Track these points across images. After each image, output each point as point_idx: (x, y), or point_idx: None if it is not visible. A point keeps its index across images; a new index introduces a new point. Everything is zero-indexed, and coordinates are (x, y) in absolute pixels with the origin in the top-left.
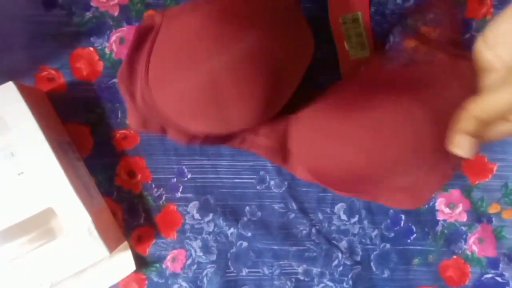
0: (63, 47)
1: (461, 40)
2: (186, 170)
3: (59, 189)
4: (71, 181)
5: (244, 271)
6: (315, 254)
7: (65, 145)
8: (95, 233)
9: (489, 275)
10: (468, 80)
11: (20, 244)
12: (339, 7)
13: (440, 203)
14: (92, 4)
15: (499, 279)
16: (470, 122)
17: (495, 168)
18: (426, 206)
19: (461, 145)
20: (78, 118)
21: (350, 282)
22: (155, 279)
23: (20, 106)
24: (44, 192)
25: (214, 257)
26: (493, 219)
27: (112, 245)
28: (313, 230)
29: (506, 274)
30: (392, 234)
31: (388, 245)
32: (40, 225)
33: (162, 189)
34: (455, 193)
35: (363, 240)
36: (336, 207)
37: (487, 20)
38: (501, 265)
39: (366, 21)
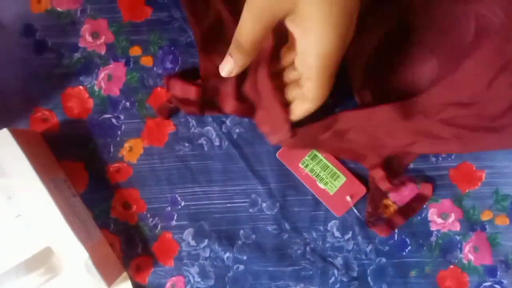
0: (54, 88)
1: None
2: (179, 198)
3: (56, 228)
4: (67, 219)
5: None
6: (311, 272)
7: (61, 183)
8: (92, 269)
9: (488, 283)
10: None
11: (22, 284)
12: (293, 158)
13: (432, 214)
14: (79, 45)
15: (498, 287)
16: (232, 41)
17: (483, 176)
18: (419, 217)
19: (223, 64)
20: (72, 155)
21: None
22: None
23: (15, 151)
24: (41, 232)
25: (212, 282)
26: (487, 226)
27: (111, 278)
28: (308, 249)
29: (505, 281)
30: (387, 248)
31: (383, 259)
32: (41, 264)
33: (157, 218)
34: (446, 202)
35: (358, 256)
36: (329, 225)
37: None
38: (498, 273)
39: (324, 152)
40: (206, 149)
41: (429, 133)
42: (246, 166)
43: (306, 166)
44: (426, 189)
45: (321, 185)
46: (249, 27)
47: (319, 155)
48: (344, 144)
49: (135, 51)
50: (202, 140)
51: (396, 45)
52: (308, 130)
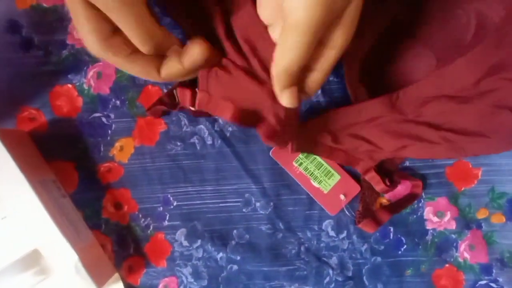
0: (42, 87)
1: None
2: (171, 198)
3: (44, 229)
4: (55, 220)
5: None
6: (305, 272)
7: (49, 183)
8: (82, 270)
9: (484, 282)
10: None
11: (10, 287)
12: (287, 156)
13: (428, 212)
14: (67, 42)
15: (493, 285)
16: (278, 78)
17: (480, 173)
18: (414, 216)
19: (282, 97)
20: (62, 155)
21: None
22: None
23: (1, 152)
24: (29, 234)
25: (205, 283)
26: (483, 224)
27: (102, 280)
28: (302, 249)
29: (501, 280)
30: (382, 247)
31: (379, 258)
32: (29, 266)
33: (149, 218)
34: (442, 201)
35: (353, 255)
36: (324, 224)
37: None
38: (494, 271)
39: None
40: (198, 148)
41: (419, 137)
42: (240, 165)
43: (300, 165)
44: (417, 187)
45: (315, 184)
46: (300, 54)
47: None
48: (339, 146)
49: None
50: (194, 139)
51: (393, 41)
52: (304, 129)
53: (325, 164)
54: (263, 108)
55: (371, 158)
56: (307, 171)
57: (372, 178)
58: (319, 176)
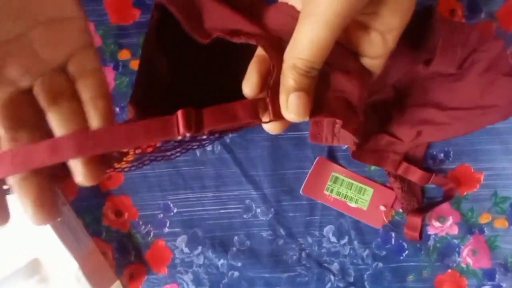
0: None
1: None
2: (171, 205)
3: (45, 239)
4: (55, 228)
5: None
6: (307, 278)
7: None
8: (83, 279)
9: (487, 287)
10: None
11: None
12: (317, 188)
13: (429, 217)
14: None
15: None
16: (292, 75)
17: (482, 178)
18: None
19: (289, 105)
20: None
21: None
22: None
23: None
24: (29, 244)
25: None
26: (485, 229)
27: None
28: (303, 255)
29: (504, 285)
30: (384, 253)
31: (380, 264)
32: (29, 276)
33: (149, 225)
34: (444, 206)
35: (355, 261)
36: (325, 230)
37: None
38: (497, 276)
39: (344, 172)
40: (198, 154)
41: (429, 120)
42: (240, 171)
43: (331, 192)
44: (452, 190)
45: (353, 204)
46: (323, 41)
47: (340, 176)
48: (366, 146)
49: (124, 54)
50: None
51: None
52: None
53: (355, 182)
54: (351, 99)
55: (395, 153)
56: (341, 195)
57: (406, 170)
58: (353, 196)
